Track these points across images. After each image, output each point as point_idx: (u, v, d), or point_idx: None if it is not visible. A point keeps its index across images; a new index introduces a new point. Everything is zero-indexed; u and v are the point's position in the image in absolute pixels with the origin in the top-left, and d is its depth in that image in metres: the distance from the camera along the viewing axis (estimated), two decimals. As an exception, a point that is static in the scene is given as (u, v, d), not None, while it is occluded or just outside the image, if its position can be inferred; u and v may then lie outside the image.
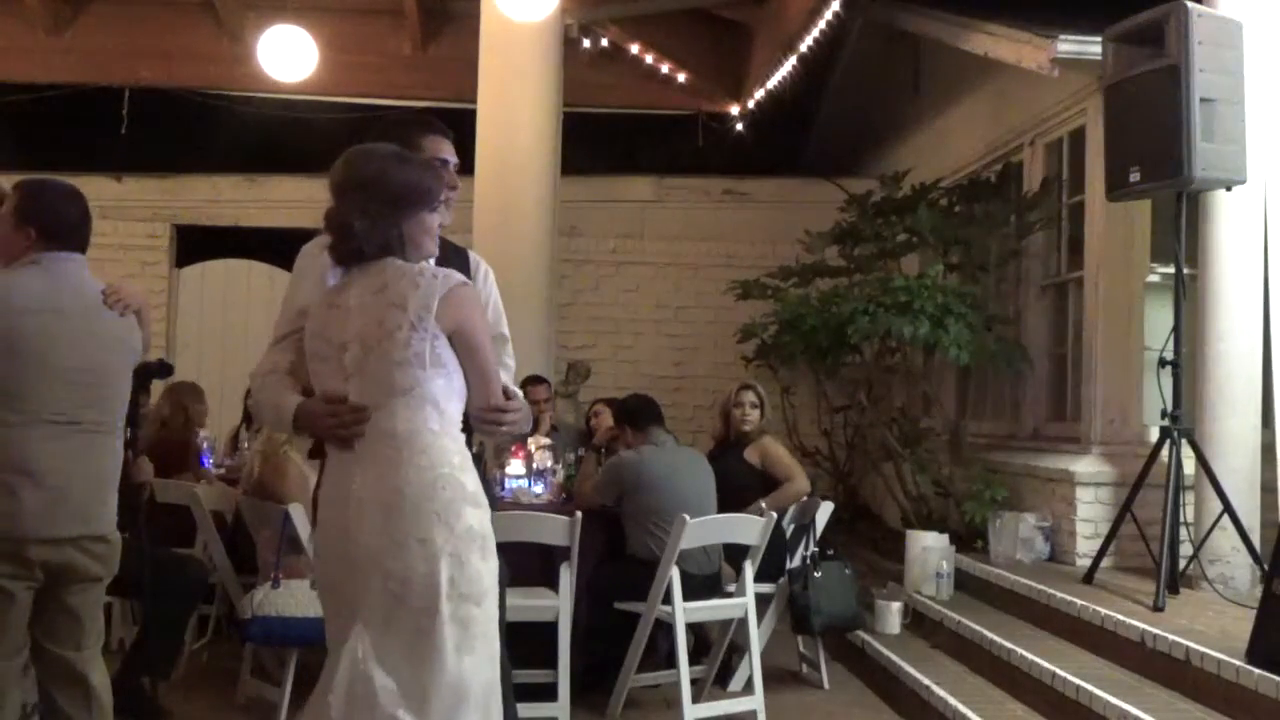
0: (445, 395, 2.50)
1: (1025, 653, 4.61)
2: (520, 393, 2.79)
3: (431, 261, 2.66)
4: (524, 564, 4.21)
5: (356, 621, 2.44)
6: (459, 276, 2.55)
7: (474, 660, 2.45)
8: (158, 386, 4.93)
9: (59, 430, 3.04)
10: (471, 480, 2.51)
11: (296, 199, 9.32)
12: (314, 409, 2.56)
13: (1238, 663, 3.78)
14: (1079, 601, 4.83)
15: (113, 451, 3.21)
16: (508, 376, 2.85)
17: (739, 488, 5.64)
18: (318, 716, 2.45)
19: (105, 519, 3.16)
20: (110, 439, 3.19)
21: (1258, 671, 3.66)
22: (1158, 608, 4.60)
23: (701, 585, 4.88)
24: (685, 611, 4.63)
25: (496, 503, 3.85)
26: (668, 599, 4.60)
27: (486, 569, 2.48)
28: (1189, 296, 5.06)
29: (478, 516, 2.49)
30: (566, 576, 4.55)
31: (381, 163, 2.57)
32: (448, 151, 2.94)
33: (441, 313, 2.47)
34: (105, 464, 3.18)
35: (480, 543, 2.48)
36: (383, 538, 2.44)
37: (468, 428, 2.63)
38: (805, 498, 5.68)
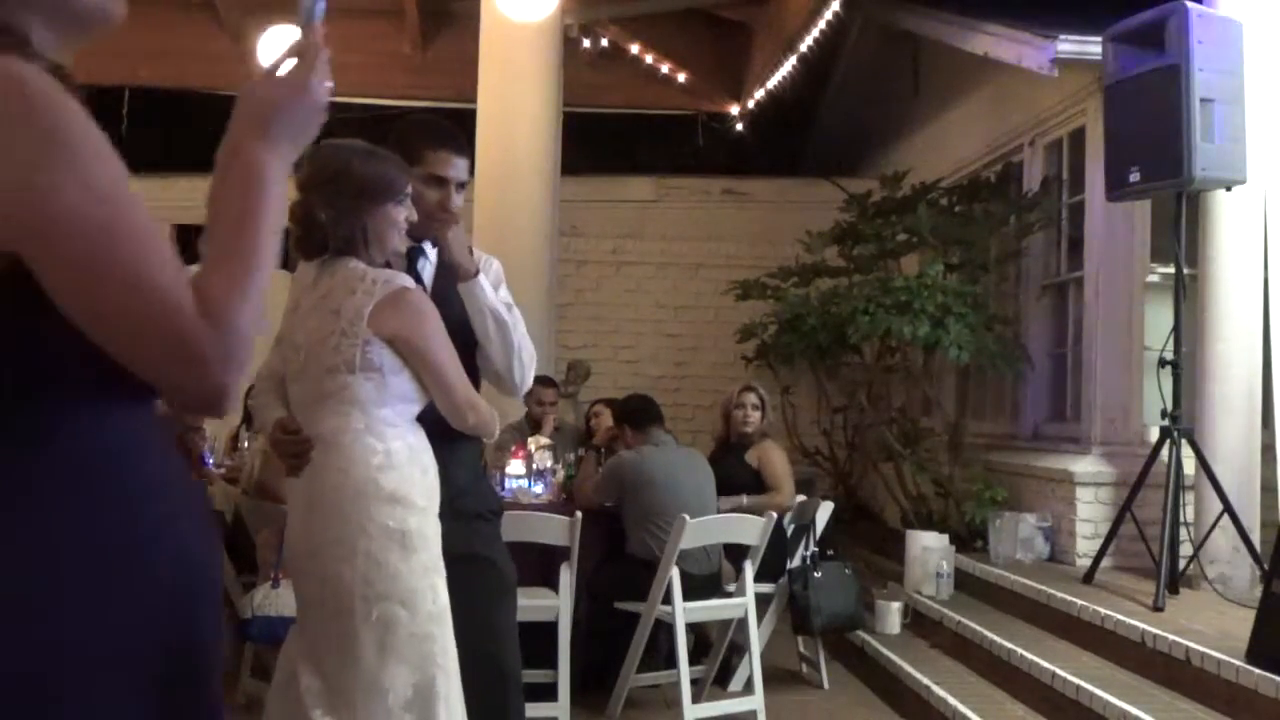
0: (375, 399, 2.50)
1: (1025, 653, 4.61)
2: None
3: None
4: (524, 564, 4.21)
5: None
6: (403, 282, 2.54)
7: (400, 663, 2.42)
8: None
9: None
10: (392, 479, 2.48)
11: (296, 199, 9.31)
12: (272, 434, 2.61)
13: (1238, 663, 3.78)
14: (1079, 601, 4.83)
15: None
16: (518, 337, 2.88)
17: (738, 489, 5.65)
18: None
19: None
20: None
21: (1258, 671, 3.67)
22: (1158, 608, 4.60)
23: (701, 585, 4.88)
24: (685, 611, 4.63)
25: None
26: (668, 599, 4.60)
27: (408, 568, 2.46)
28: (1189, 296, 5.06)
29: (397, 515, 2.46)
30: (566, 576, 4.55)
31: (347, 157, 2.58)
32: (449, 168, 2.87)
33: (376, 319, 2.48)
34: None
35: (401, 541, 2.45)
36: (305, 540, 2.50)
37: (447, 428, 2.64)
38: (779, 513, 5.63)
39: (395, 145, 2.75)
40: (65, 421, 1.17)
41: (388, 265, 2.64)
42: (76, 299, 1.11)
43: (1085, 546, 5.70)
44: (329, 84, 1.32)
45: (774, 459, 5.91)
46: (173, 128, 9.59)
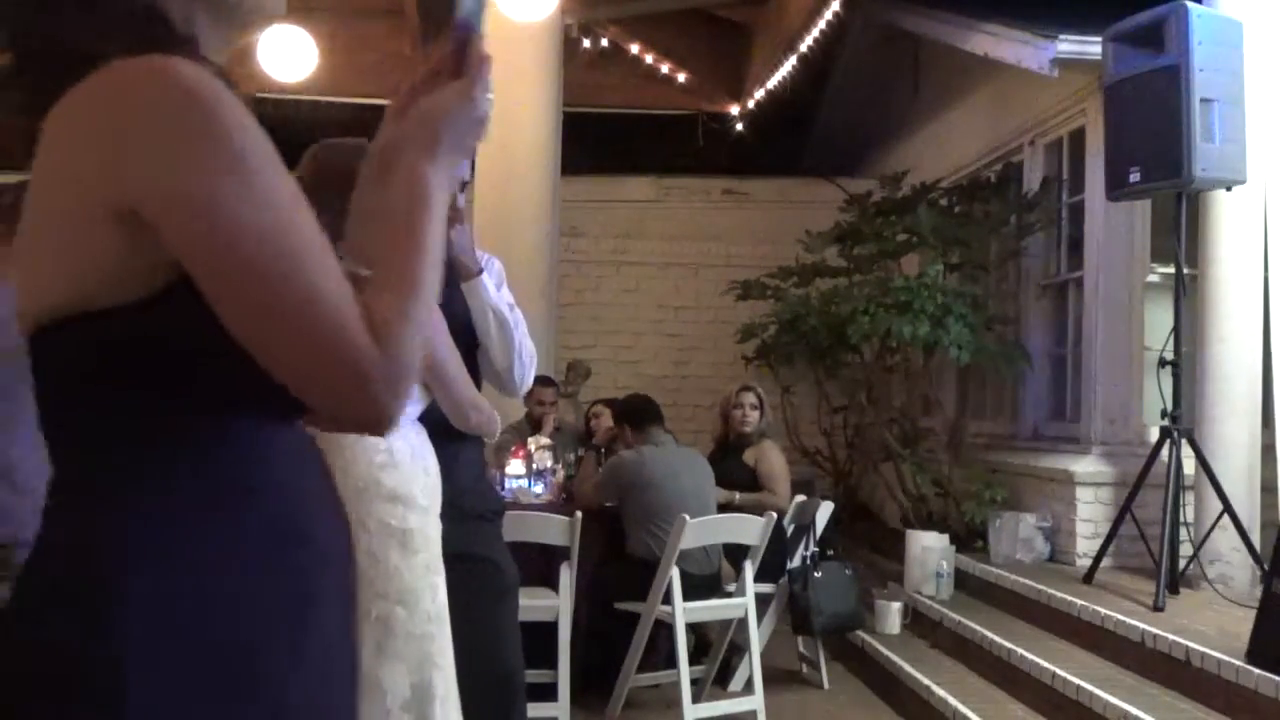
0: None
1: (1025, 653, 4.61)
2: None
3: None
4: (524, 564, 4.21)
5: None
6: None
7: (398, 662, 2.42)
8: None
9: (41, 435, 3.02)
10: (394, 478, 2.47)
11: (296, 199, 9.30)
12: None
13: (1238, 663, 3.78)
14: (1079, 601, 4.83)
15: None
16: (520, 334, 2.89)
17: (736, 490, 5.66)
18: None
19: None
20: None
21: (1258, 671, 3.66)
22: (1158, 608, 4.60)
23: (701, 585, 4.88)
24: (685, 611, 4.63)
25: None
26: (668, 599, 4.60)
27: (408, 567, 2.45)
28: (1189, 296, 5.06)
29: (399, 514, 2.45)
30: (566, 576, 4.55)
31: (348, 158, 2.58)
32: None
33: None
34: None
35: (401, 540, 2.45)
36: None
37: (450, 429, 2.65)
38: (775, 514, 5.63)
39: None
40: (226, 442, 1.13)
41: None
42: (243, 314, 1.06)
43: (1085, 546, 5.70)
44: (491, 95, 1.25)
45: (771, 459, 5.91)
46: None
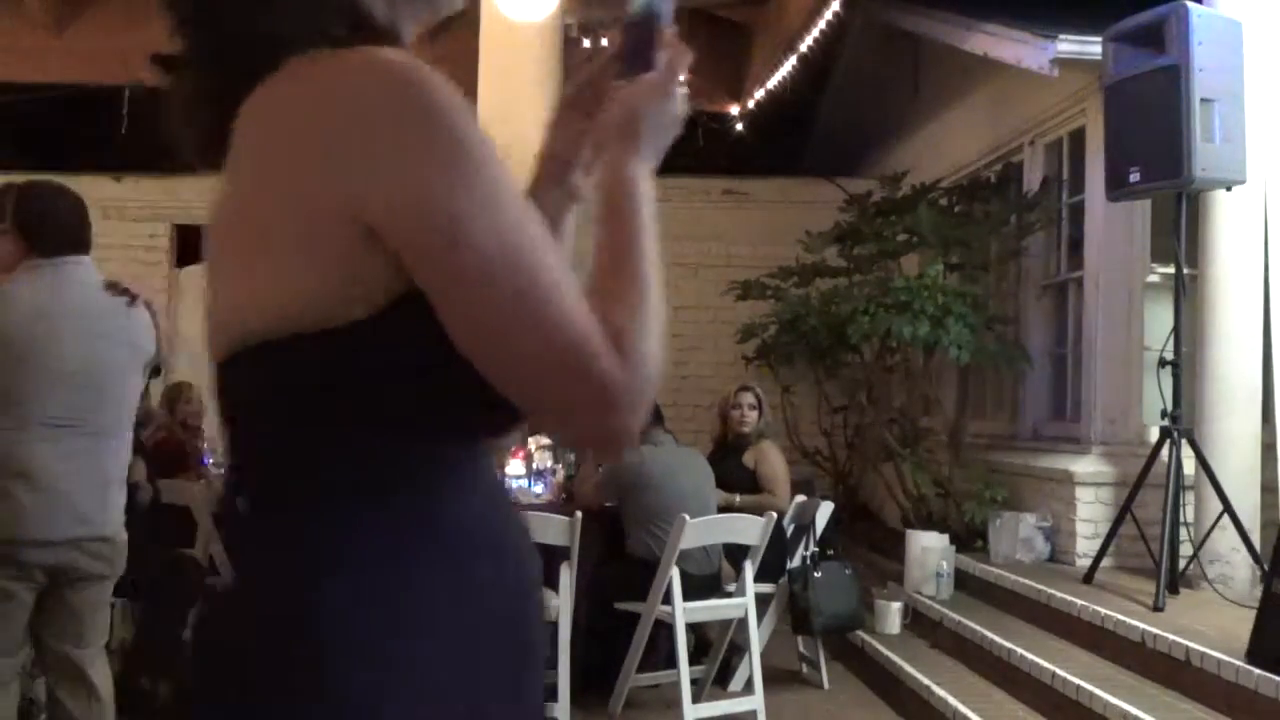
0: None
1: (1025, 653, 4.61)
2: None
3: None
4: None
5: None
6: None
7: None
8: (158, 387, 4.93)
9: (58, 433, 3.03)
10: None
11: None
12: None
13: (1238, 663, 3.78)
14: (1079, 601, 4.83)
15: (116, 453, 3.20)
16: None
17: (735, 491, 5.65)
18: None
19: (108, 520, 3.15)
20: (113, 440, 3.18)
21: (1258, 671, 3.66)
22: (1158, 608, 4.60)
23: (701, 585, 4.88)
24: (685, 611, 4.63)
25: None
26: (668, 599, 4.60)
27: None
28: (1189, 296, 5.06)
29: None
30: (566, 576, 4.55)
31: None
32: None
33: None
34: (107, 465, 3.17)
35: None
36: None
37: None
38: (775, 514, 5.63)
39: None
40: (444, 477, 1.03)
41: None
42: (479, 326, 0.95)
43: (1085, 546, 5.70)
44: (685, 89, 1.18)
45: (771, 460, 5.91)
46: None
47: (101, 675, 3.18)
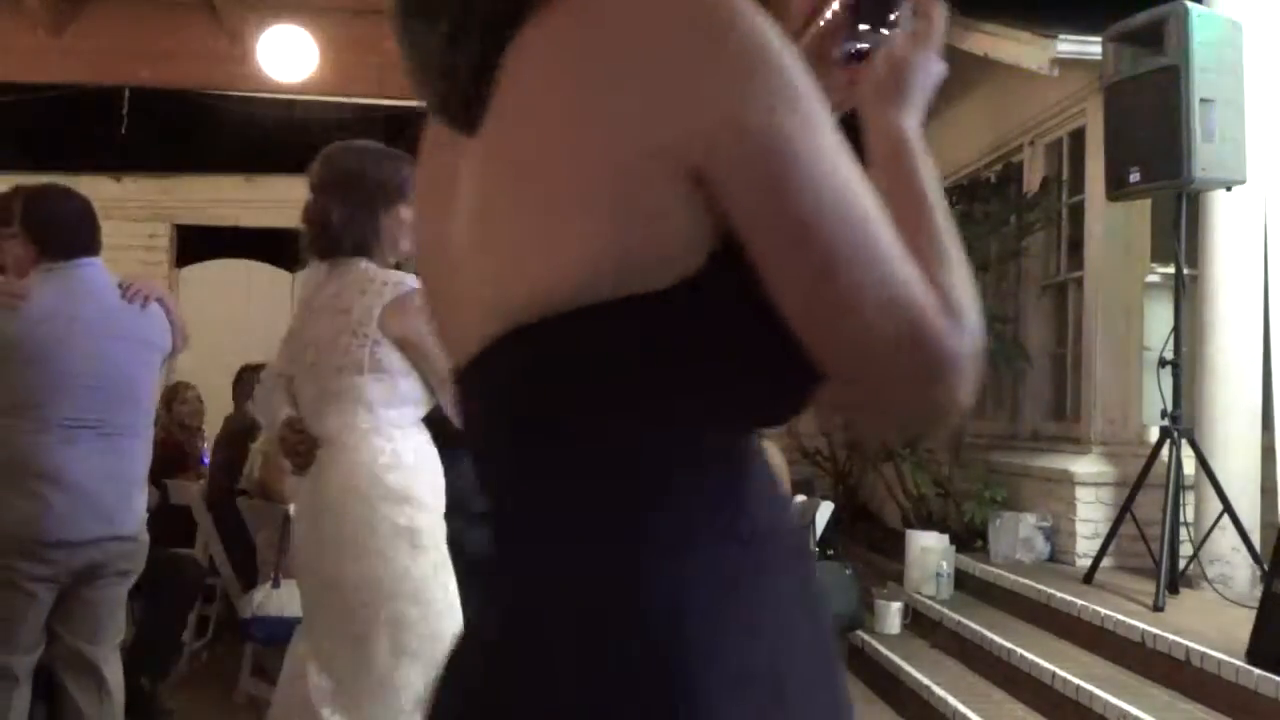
0: (383, 399, 2.50)
1: (1025, 653, 4.61)
2: None
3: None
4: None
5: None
6: (412, 284, 2.52)
7: (414, 661, 2.42)
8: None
9: (79, 434, 3.03)
10: (399, 478, 2.48)
11: (296, 199, 9.03)
12: (280, 432, 2.60)
13: (1238, 663, 3.78)
14: (1079, 601, 4.83)
15: (135, 453, 3.20)
16: None
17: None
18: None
19: (130, 519, 3.16)
20: (134, 440, 3.19)
21: (1258, 671, 3.66)
22: (1158, 608, 4.60)
23: (701, 585, 4.87)
24: (685, 611, 4.62)
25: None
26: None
27: (417, 566, 2.45)
28: (1189, 296, 5.06)
29: (406, 513, 2.46)
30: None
31: (360, 158, 2.59)
32: None
33: (385, 320, 2.48)
34: (129, 465, 3.17)
35: (410, 539, 2.45)
36: (313, 540, 2.48)
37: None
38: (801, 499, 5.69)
39: (410, 145, 2.75)
40: (747, 463, 0.93)
41: (398, 266, 2.65)
42: (813, 283, 0.83)
43: (1085, 546, 5.70)
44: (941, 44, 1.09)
45: (770, 460, 5.89)
46: (173, 128, 9.59)
47: (114, 673, 3.18)
